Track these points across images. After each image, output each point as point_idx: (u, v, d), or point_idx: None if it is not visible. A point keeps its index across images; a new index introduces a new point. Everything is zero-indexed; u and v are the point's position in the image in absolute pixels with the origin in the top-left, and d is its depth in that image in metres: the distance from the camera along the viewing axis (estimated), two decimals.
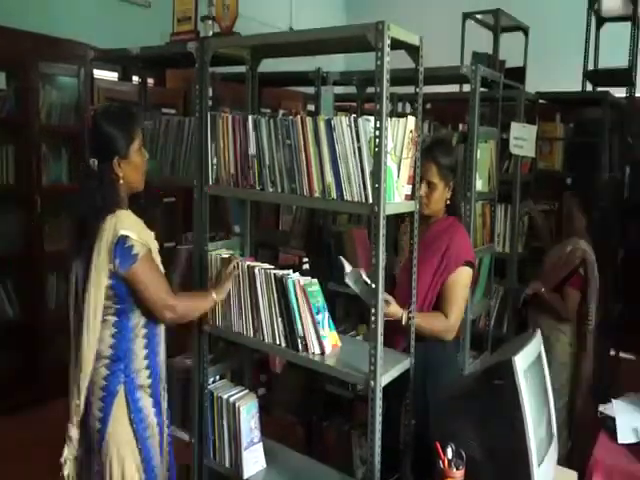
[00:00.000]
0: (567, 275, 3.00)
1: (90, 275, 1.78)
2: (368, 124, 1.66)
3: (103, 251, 1.76)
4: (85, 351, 1.80)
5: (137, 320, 1.87)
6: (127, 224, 1.79)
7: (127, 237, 1.76)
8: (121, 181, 1.86)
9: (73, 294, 1.91)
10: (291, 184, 1.90)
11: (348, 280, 1.89)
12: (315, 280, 1.92)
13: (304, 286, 1.86)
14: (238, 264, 2.03)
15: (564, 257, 3.02)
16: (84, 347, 1.80)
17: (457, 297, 2.12)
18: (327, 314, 1.90)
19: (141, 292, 1.81)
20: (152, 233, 1.92)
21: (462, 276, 2.13)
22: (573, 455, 2.94)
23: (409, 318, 1.97)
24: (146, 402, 1.88)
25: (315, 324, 1.86)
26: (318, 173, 1.81)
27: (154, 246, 1.90)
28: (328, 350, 1.88)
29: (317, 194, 1.83)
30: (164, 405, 1.99)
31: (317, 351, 1.87)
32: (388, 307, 1.90)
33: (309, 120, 1.80)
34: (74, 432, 1.86)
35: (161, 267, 1.92)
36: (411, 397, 1.98)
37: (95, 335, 1.80)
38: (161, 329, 1.96)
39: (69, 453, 1.86)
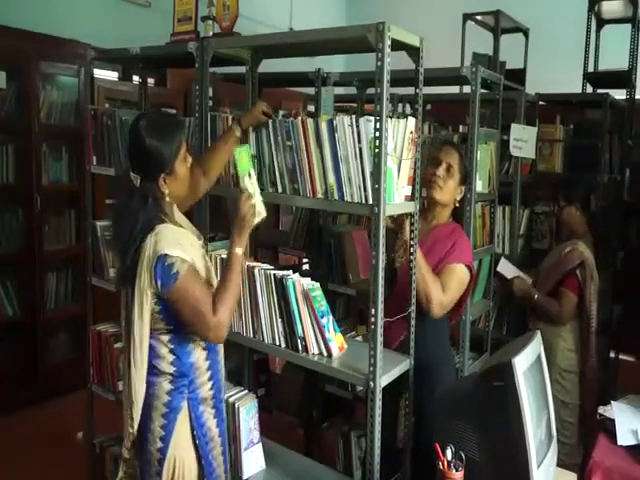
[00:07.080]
0: (563, 277, 2.95)
1: (134, 306, 1.66)
2: (369, 125, 1.66)
3: (144, 273, 1.64)
4: (135, 385, 1.70)
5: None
6: (168, 241, 1.64)
7: (167, 255, 1.62)
8: (167, 198, 1.74)
9: (124, 319, 1.85)
10: (293, 185, 1.90)
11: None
12: (317, 284, 1.90)
13: (308, 291, 1.84)
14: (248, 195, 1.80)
15: (562, 258, 2.98)
16: (133, 381, 1.70)
17: (451, 281, 2.07)
18: (331, 317, 1.89)
19: (180, 313, 1.67)
20: (200, 242, 1.81)
21: (459, 270, 2.11)
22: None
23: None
24: (208, 415, 1.81)
25: (320, 328, 1.84)
26: (320, 174, 1.81)
27: (199, 255, 1.73)
28: (335, 353, 1.87)
29: (320, 195, 1.83)
30: (224, 413, 1.92)
31: (317, 352, 1.87)
32: None
33: (310, 121, 1.79)
34: (127, 454, 1.80)
35: (204, 274, 1.73)
36: (411, 397, 1.98)
37: (143, 369, 1.70)
38: None
39: (123, 473, 1.83)
